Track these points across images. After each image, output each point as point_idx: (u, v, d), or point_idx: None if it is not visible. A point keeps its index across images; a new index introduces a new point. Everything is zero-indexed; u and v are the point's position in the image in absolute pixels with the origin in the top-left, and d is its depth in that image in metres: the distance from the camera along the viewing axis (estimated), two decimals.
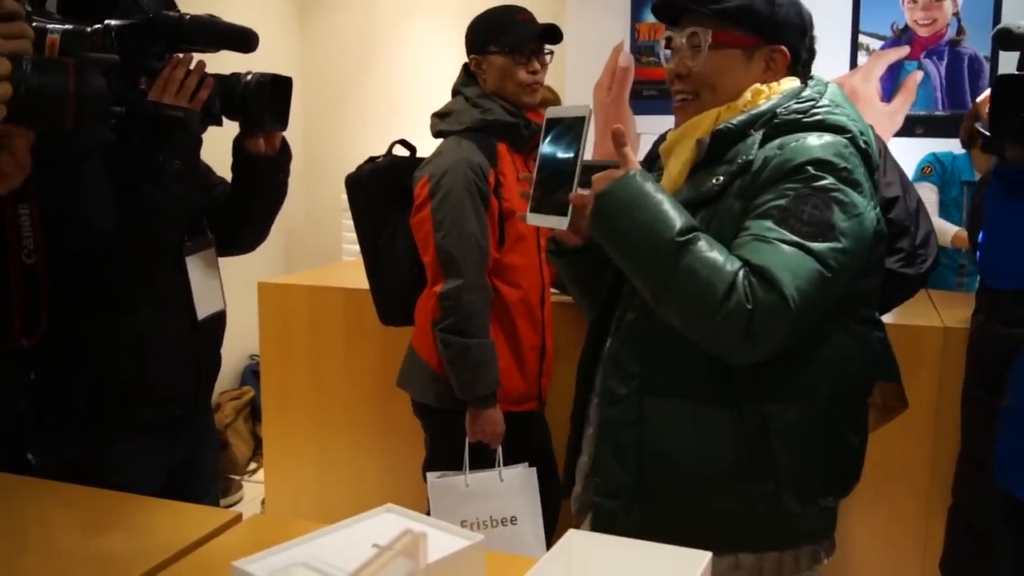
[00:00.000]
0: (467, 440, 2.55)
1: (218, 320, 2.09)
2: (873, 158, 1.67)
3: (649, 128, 4.25)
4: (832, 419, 1.62)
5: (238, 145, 2.01)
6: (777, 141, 1.59)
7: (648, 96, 4.81)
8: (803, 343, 1.56)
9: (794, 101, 1.64)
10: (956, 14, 4.45)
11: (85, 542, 1.41)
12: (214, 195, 2.10)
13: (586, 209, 1.57)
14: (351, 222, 2.77)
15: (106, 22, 1.65)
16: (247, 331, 3.60)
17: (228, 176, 2.09)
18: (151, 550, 1.37)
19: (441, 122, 2.63)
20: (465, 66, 2.65)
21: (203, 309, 2.01)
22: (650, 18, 4.86)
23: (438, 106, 2.68)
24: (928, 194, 3.87)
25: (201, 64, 1.84)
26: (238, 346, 4.87)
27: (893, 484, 2.79)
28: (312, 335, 3.38)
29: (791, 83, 1.68)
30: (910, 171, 3.75)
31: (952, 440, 2.62)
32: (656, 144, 2.38)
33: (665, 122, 1.82)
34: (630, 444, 1.66)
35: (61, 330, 1.78)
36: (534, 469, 2.62)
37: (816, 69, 1.77)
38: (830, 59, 4.36)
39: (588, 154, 1.67)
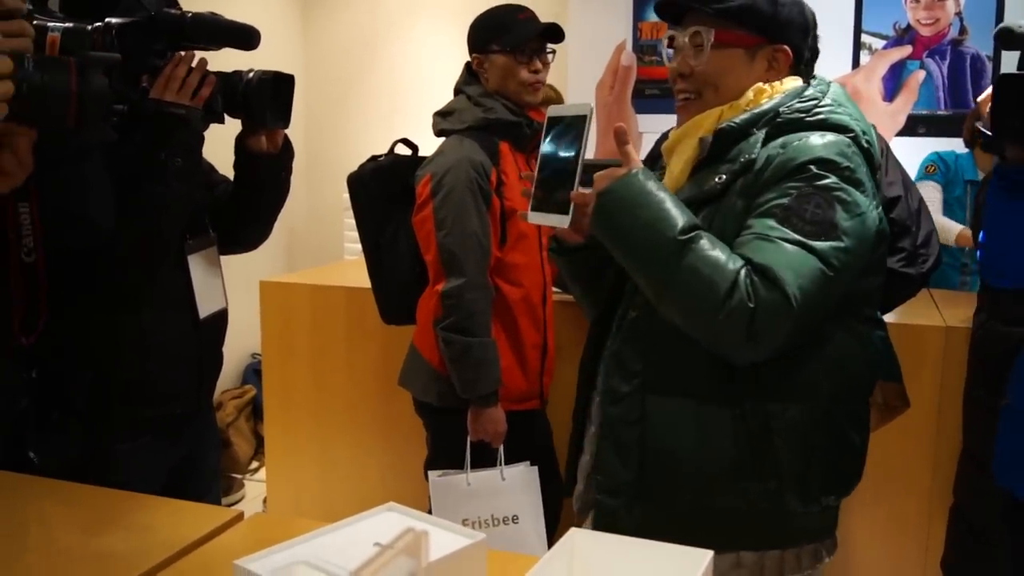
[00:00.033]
0: (469, 439, 2.55)
1: (220, 319, 2.09)
2: (875, 157, 1.67)
3: (651, 127, 4.25)
4: (834, 418, 1.62)
5: (240, 143, 2.01)
6: (780, 140, 1.59)
7: (650, 95, 4.81)
8: (805, 342, 1.56)
9: (797, 100, 1.64)
10: (958, 13, 4.45)
11: (86, 540, 1.41)
12: (216, 193, 2.10)
13: (588, 207, 1.57)
14: (353, 221, 2.77)
15: (107, 20, 1.65)
16: (249, 330, 3.60)
17: (230, 174, 2.09)
18: (152, 549, 1.37)
19: (443, 121, 2.63)
20: (467, 65, 2.65)
21: (205, 308, 2.01)
22: (652, 17, 4.86)
23: (440, 105, 2.68)
24: (933, 192, 3.87)
25: (203, 62, 1.84)
26: (240, 345, 4.87)
27: (895, 483, 2.79)
28: (314, 334, 3.38)
29: (793, 82, 1.68)
30: (912, 170, 3.75)
31: (954, 440, 2.62)
32: (658, 143, 2.38)
33: (667, 121, 1.82)
34: (632, 442, 1.66)
35: (63, 328, 1.78)
36: (536, 468, 2.62)
37: (818, 68, 1.77)
38: (833, 58, 4.35)
39: (590, 153, 1.67)
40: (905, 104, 4.48)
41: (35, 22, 1.31)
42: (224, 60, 1.90)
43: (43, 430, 1.81)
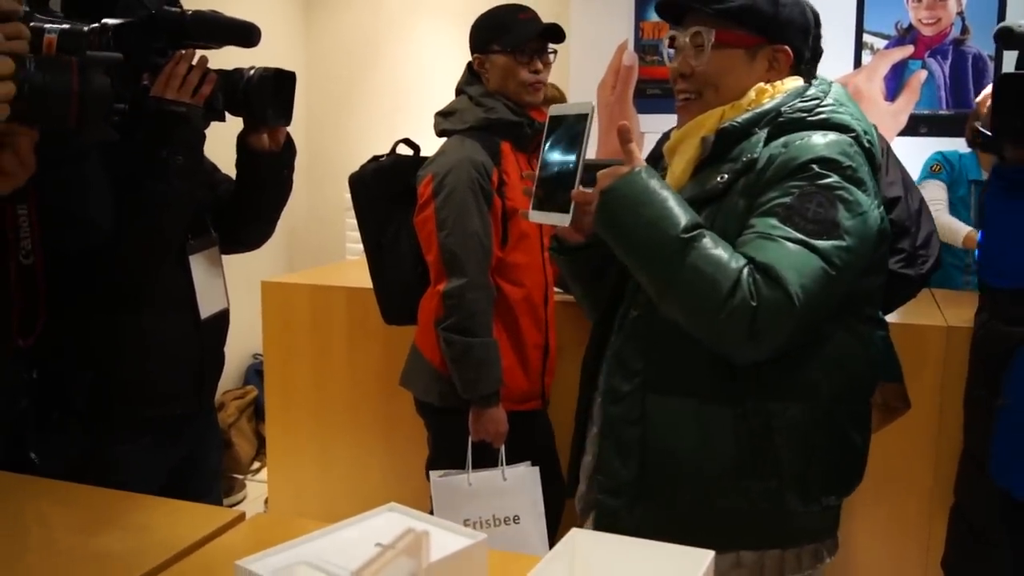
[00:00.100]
0: (470, 439, 2.55)
1: (221, 319, 2.09)
2: (876, 157, 1.68)
3: (653, 127, 4.25)
4: (835, 418, 1.62)
5: (242, 141, 2.01)
6: (782, 139, 1.59)
7: (652, 95, 4.81)
8: (806, 341, 1.56)
9: (798, 100, 1.64)
10: (960, 13, 4.45)
11: (87, 541, 1.41)
12: (218, 192, 2.10)
13: (589, 206, 1.57)
14: (355, 221, 2.77)
15: (103, 21, 1.65)
16: (250, 330, 3.61)
17: (233, 173, 2.09)
18: (153, 549, 1.37)
19: (445, 121, 2.63)
20: (469, 65, 2.65)
21: (206, 308, 2.01)
22: (654, 17, 4.83)
23: (442, 105, 2.68)
24: (938, 192, 3.85)
25: (203, 59, 1.84)
26: (241, 345, 4.87)
27: (896, 484, 2.78)
28: (315, 334, 3.38)
29: (795, 82, 1.69)
30: (915, 170, 3.74)
31: (955, 440, 2.61)
32: (660, 143, 2.38)
33: (669, 121, 1.82)
34: (633, 442, 1.66)
35: (63, 328, 1.78)
36: (537, 468, 2.62)
37: (820, 68, 1.77)
38: (834, 58, 4.35)
39: (591, 152, 1.67)
40: (907, 104, 4.48)
41: (32, 24, 1.31)
42: (225, 59, 1.90)
43: (43, 430, 1.81)
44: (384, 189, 2.68)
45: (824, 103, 1.63)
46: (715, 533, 1.56)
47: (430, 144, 2.69)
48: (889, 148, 2.23)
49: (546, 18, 2.61)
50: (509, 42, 2.54)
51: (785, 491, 1.60)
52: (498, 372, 2.50)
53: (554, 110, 1.68)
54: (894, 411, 2.44)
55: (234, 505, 4.32)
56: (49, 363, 1.82)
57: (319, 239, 5.70)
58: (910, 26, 4.53)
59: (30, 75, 1.22)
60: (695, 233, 1.50)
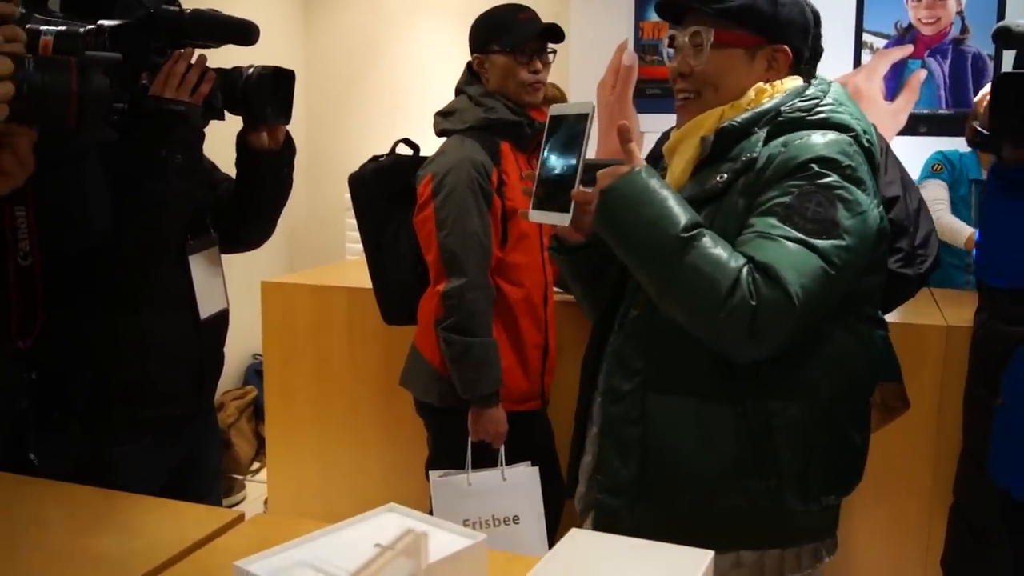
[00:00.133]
0: (470, 439, 2.55)
1: (221, 319, 2.09)
2: (876, 157, 1.68)
3: (653, 127, 4.25)
4: (835, 417, 1.62)
5: (242, 140, 2.00)
6: (781, 139, 1.60)
7: (652, 95, 4.81)
8: (806, 340, 1.56)
9: (798, 99, 1.64)
10: (960, 13, 4.45)
11: (86, 542, 1.41)
12: (218, 192, 2.10)
13: (589, 206, 1.58)
14: (354, 221, 2.77)
15: (99, 23, 1.64)
16: (250, 330, 3.61)
17: (233, 173, 2.08)
18: (153, 550, 1.37)
19: (444, 121, 2.63)
20: (468, 65, 2.65)
21: (206, 308, 2.01)
22: (654, 17, 4.84)
23: (442, 105, 2.68)
24: (940, 191, 3.84)
25: (202, 58, 1.84)
26: (241, 345, 4.87)
27: (895, 483, 2.78)
28: (315, 334, 3.38)
29: (794, 82, 1.69)
30: (914, 169, 3.74)
31: (954, 439, 2.61)
32: (659, 143, 2.38)
33: (668, 121, 1.82)
34: (633, 441, 1.66)
35: (63, 328, 1.78)
36: (536, 468, 2.62)
37: (820, 68, 1.77)
38: (834, 58, 4.35)
39: (591, 151, 1.68)
40: (906, 103, 4.48)
41: (28, 26, 1.31)
42: (225, 58, 1.90)
43: (43, 431, 1.81)
44: (384, 189, 2.68)
45: (823, 103, 1.64)
46: (715, 533, 1.56)
47: (430, 144, 2.68)
48: (888, 147, 2.23)
49: (546, 18, 2.61)
50: (509, 42, 2.54)
51: (785, 490, 1.60)
52: (498, 372, 2.50)
53: (554, 110, 1.68)
54: (893, 411, 2.44)
55: (234, 505, 4.32)
56: (49, 363, 1.82)
57: (319, 239, 5.70)
58: (909, 25, 4.53)
59: (29, 75, 1.22)
60: (695, 232, 1.50)
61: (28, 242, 1.64)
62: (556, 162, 1.63)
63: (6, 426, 1.76)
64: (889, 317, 2.30)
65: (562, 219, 1.61)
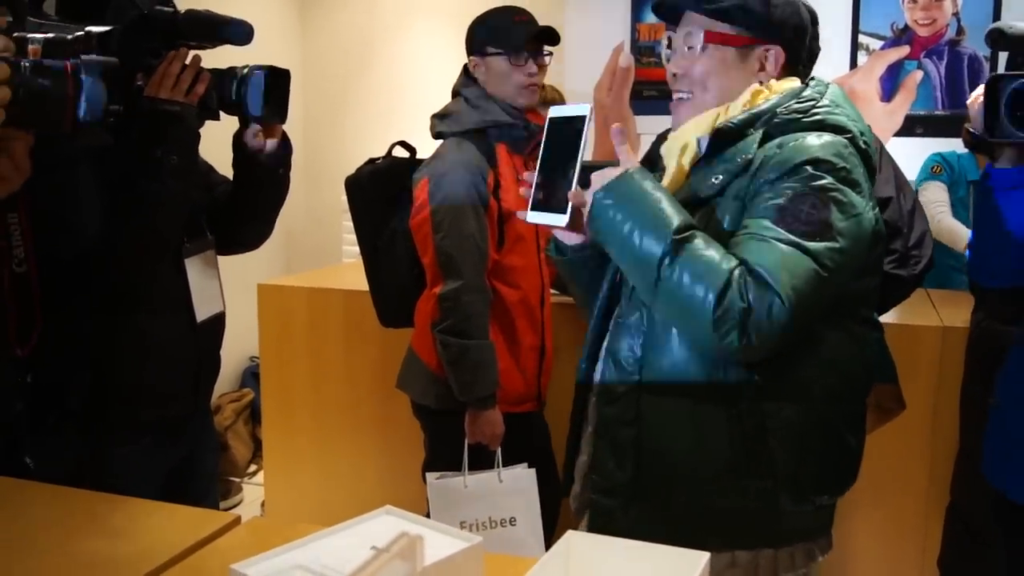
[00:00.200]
0: (466, 441, 2.55)
1: (217, 322, 2.08)
2: (873, 158, 1.67)
3: (650, 128, 4.24)
4: (829, 418, 1.62)
5: (238, 140, 2.00)
6: (776, 140, 1.59)
7: (648, 96, 4.81)
8: (800, 342, 1.56)
9: (794, 101, 1.63)
10: (956, 14, 4.45)
11: (82, 545, 1.41)
12: (215, 194, 2.10)
13: (585, 207, 1.58)
14: (351, 223, 2.77)
15: (87, 29, 1.64)
16: (247, 333, 3.60)
17: (230, 174, 2.08)
18: (149, 553, 1.37)
19: (441, 123, 2.63)
20: (465, 67, 2.65)
21: (202, 311, 2.01)
22: (650, 18, 4.86)
23: (438, 107, 2.68)
24: (940, 193, 3.83)
25: (197, 58, 1.83)
26: (238, 348, 4.87)
27: (892, 484, 2.79)
28: (312, 337, 3.38)
29: (791, 83, 1.69)
30: (911, 170, 3.74)
31: (950, 440, 2.62)
32: (655, 144, 2.38)
33: (665, 122, 1.82)
34: (628, 442, 1.66)
35: (59, 331, 1.78)
36: (533, 470, 2.62)
37: (816, 69, 1.77)
38: (830, 59, 4.34)
39: (588, 153, 1.68)
40: (903, 104, 4.45)
41: (15, 34, 1.31)
42: (220, 59, 1.90)
43: (38, 434, 1.81)
44: (380, 192, 2.68)
45: (820, 104, 1.63)
46: (710, 533, 1.57)
47: (426, 146, 2.69)
48: (882, 147, 2.23)
49: (542, 20, 2.62)
50: (505, 45, 2.55)
51: (779, 491, 1.60)
52: (494, 374, 2.50)
53: (553, 112, 1.69)
54: (888, 412, 2.43)
55: (231, 508, 4.31)
56: (45, 366, 1.82)
57: (316, 241, 5.69)
58: (906, 27, 4.53)
59: (26, 79, 1.22)
60: (687, 234, 1.50)
61: (23, 249, 1.64)
62: (554, 164, 1.63)
63: (1, 430, 1.76)
64: (885, 318, 2.29)
65: (559, 220, 1.61)
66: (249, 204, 2.08)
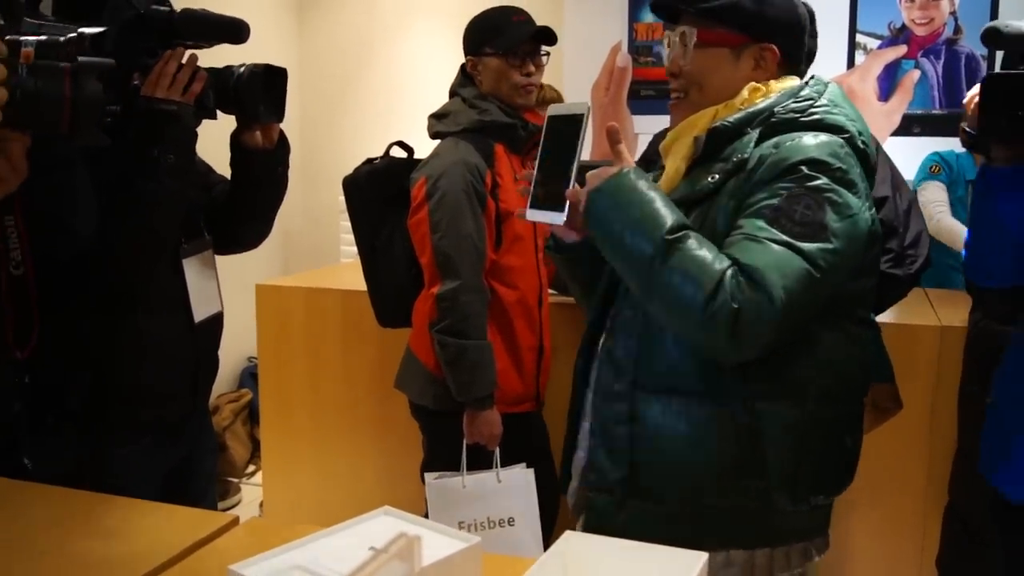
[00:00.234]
0: (465, 441, 2.55)
1: (215, 322, 2.08)
2: (871, 158, 1.67)
3: (647, 128, 4.26)
4: (825, 418, 1.62)
5: (236, 139, 2.00)
6: (773, 140, 1.59)
7: (646, 96, 4.81)
8: (796, 342, 1.57)
9: (792, 100, 1.63)
10: (953, 13, 4.46)
11: (80, 546, 1.41)
12: (214, 193, 2.10)
13: (581, 205, 1.58)
14: (349, 223, 2.77)
15: (79, 30, 1.63)
16: (245, 333, 3.60)
17: (227, 173, 2.08)
18: (147, 554, 1.37)
19: (438, 123, 2.63)
20: (462, 67, 2.65)
21: (200, 311, 2.01)
22: (648, 18, 4.87)
23: (436, 107, 2.68)
24: (939, 193, 3.83)
25: (193, 57, 1.83)
26: (236, 348, 4.87)
27: (890, 484, 2.79)
28: (310, 337, 3.38)
29: (790, 82, 1.68)
30: (908, 170, 3.74)
31: (948, 440, 2.63)
32: (652, 143, 2.38)
33: (663, 122, 1.82)
34: (623, 441, 1.67)
35: (58, 332, 1.78)
36: (532, 470, 2.62)
37: (813, 68, 1.77)
38: (828, 58, 4.35)
39: (586, 152, 1.69)
40: (900, 104, 4.48)
41: (7, 37, 1.31)
42: (218, 59, 1.90)
43: (37, 434, 1.81)
44: (378, 192, 2.68)
45: (818, 104, 1.63)
46: (705, 532, 1.57)
47: (424, 146, 2.69)
48: (879, 147, 2.24)
49: (540, 20, 2.61)
50: (502, 44, 2.55)
51: (774, 491, 1.60)
52: (492, 375, 2.50)
53: (552, 110, 1.69)
54: (885, 412, 2.44)
55: (229, 509, 4.31)
56: (43, 367, 1.82)
57: (313, 241, 5.69)
58: (903, 26, 4.54)
59: (22, 81, 1.22)
60: (680, 234, 1.50)
61: (20, 251, 1.64)
62: (552, 162, 1.64)
63: (0, 430, 1.76)
64: (883, 317, 2.30)
65: (557, 218, 1.62)
66: (247, 203, 2.08)
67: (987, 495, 1.85)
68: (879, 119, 4.42)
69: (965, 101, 1.73)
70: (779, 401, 1.59)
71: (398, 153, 2.75)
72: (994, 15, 4.37)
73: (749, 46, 1.68)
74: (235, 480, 4.58)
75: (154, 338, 1.93)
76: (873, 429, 2.33)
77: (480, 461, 2.58)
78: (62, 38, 1.42)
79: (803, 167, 1.53)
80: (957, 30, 4.46)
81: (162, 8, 1.82)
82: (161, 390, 1.96)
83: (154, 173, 1.78)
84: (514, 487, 2.59)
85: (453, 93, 2.67)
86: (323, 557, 1.14)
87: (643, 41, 4.91)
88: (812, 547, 1.70)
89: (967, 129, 1.70)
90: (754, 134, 1.61)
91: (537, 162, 1.68)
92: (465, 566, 1.16)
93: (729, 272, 1.47)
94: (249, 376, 4.99)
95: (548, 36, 2.59)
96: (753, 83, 1.67)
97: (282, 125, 2.01)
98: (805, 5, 1.73)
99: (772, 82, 1.68)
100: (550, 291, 2.77)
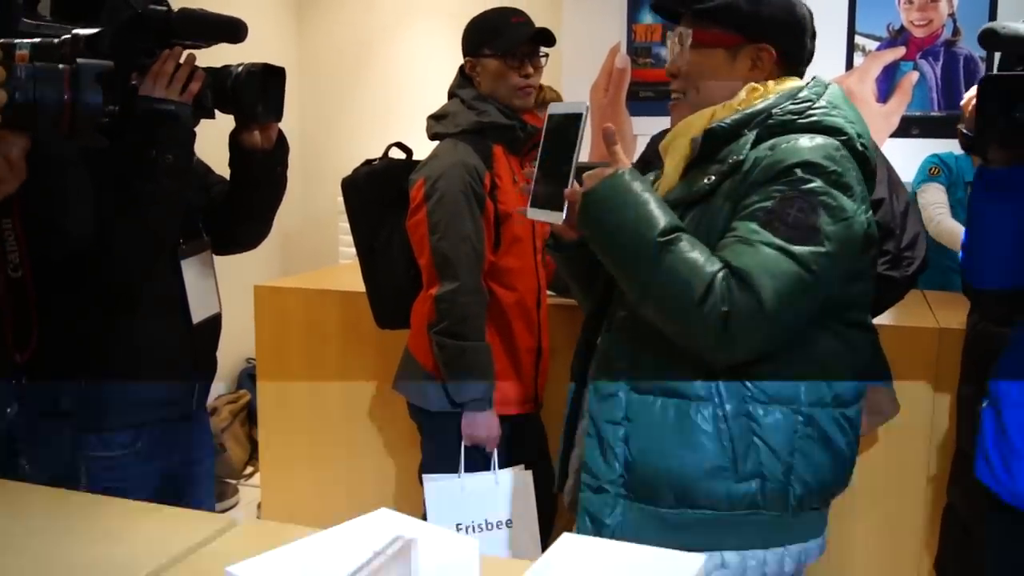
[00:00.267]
0: (463, 443, 2.55)
1: (214, 323, 2.08)
2: (871, 161, 1.67)
3: (646, 129, 4.26)
4: (818, 422, 1.62)
5: (234, 139, 1.99)
6: (769, 142, 1.59)
7: (645, 97, 4.81)
8: (790, 345, 1.56)
9: (790, 102, 1.63)
10: (951, 15, 4.46)
11: (77, 549, 1.41)
12: (212, 194, 2.09)
13: (577, 206, 1.59)
14: (347, 225, 2.77)
15: (73, 32, 1.63)
16: (243, 334, 3.60)
17: (226, 174, 2.08)
18: (145, 556, 1.37)
19: (437, 124, 2.63)
20: (461, 68, 2.65)
21: (198, 312, 2.01)
22: (647, 19, 4.87)
23: (435, 108, 2.68)
24: (939, 195, 3.82)
25: (191, 57, 1.83)
26: (234, 349, 4.87)
27: (889, 486, 2.79)
28: (308, 338, 3.38)
29: (790, 83, 1.68)
30: (906, 171, 3.73)
31: (947, 442, 2.63)
32: (650, 144, 2.38)
33: (662, 123, 1.83)
34: (616, 440, 1.67)
35: (55, 333, 1.78)
36: (529, 472, 2.62)
37: (811, 70, 1.77)
38: (826, 60, 4.35)
39: (585, 151, 1.69)
40: (899, 105, 4.45)
41: (1, 41, 1.31)
42: (216, 59, 1.90)
43: (34, 436, 1.81)
44: (376, 193, 2.68)
45: (816, 105, 1.62)
46: (697, 533, 1.58)
47: (422, 147, 2.68)
48: (876, 148, 2.23)
49: (538, 21, 2.61)
50: (500, 46, 2.55)
51: (767, 493, 1.60)
52: (490, 376, 2.50)
53: (553, 108, 1.70)
54: (882, 414, 2.44)
55: (227, 510, 4.31)
56: (40, 368, 1.81)
57: (312, 243, 5.69)
58: (901, 28, 4.54)
59: (21, 83, 1.22)
60: (672, 236, 1.50)
61: (18, 254, 1.64)
62: (552, 161, 1.65)
63: None
64: (881, 319, 2.30)
65: (556, 217, 1.63)
66: (246, 203, 2.08)
67: (985, 497, 1.85)
68: (877, 120, 4.41)
69: (963, 103, 1.72)
70: (772, 404, 1.59)
71: (397, 154, 2.75)
72: (992, 17, 4.37)
73: (745, 46, 1.68)
74: (233, 482, 4.58)
75: (152, 339, 1.93)
76: (870, 431, 2.33)
77: (478, 463, 2.58)
78: (56, 40, 1.43)
79: (797, 170, 1.52)
80: (956, 32, 4.46)
81: (159, 8, 1.81)
82: (159, 391, 1.96)
83: (152, 173, 1.77)
84: (512, 489, 2.60)
85: (452, 94, 2.66)
86: (321, 559, 1.14)
87: (642, 42, 4.91)
88: (807, 550, 1.70)
89: (965, 131, 1.70)
90: (751, 136, 1.61)
91: (538, 161, 1.69)
92: (462, 568, 1.16)
93: (720, 275, 1.47)
94: (247, 377, 4.99)
95: (547, 37, 2.59)
96: (751, 84, 1.67)
97: (281, 126, 2.01)
98: (802, 4, 1.72)
99: (771, 83, 1.67)
100: (548, 293, 2.77)
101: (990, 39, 1.67)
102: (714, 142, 1.63)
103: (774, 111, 1.62)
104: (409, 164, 2.69)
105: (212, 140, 2.03)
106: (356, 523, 1.26)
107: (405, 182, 2.60)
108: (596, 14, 4.94)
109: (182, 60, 1.81)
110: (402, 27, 5.53)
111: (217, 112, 1.92)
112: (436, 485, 2.57)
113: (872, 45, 4.57)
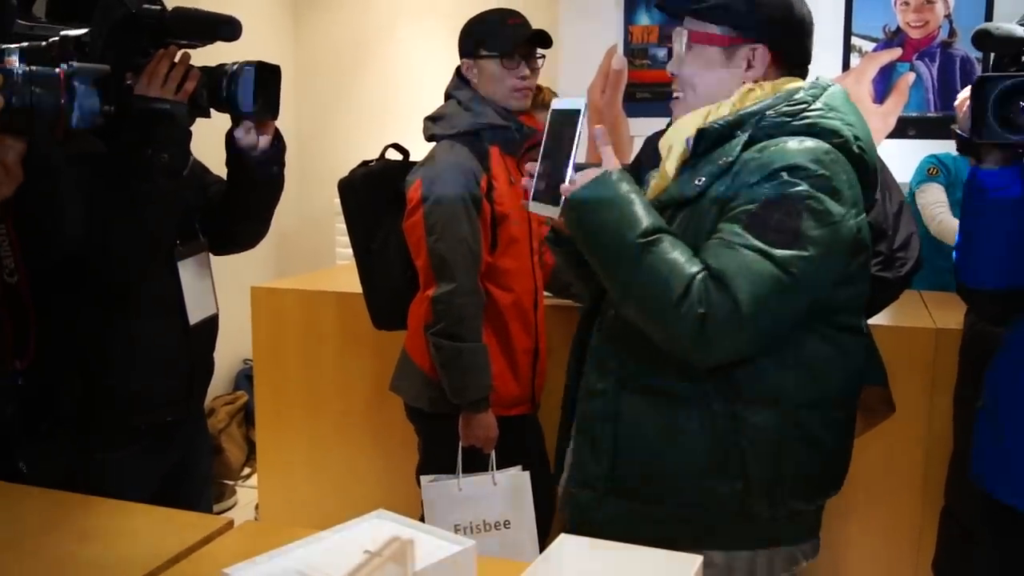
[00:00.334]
0: (460, 444, 2.55)
1: (211, 324, 2.08)
2: (869, 164, 1.66)
3: (643, 130, 4.26)
4: (805, 424, 1.61)
5: (230, 138, 1.98)
6: (760, 144, 1.58)
7: (642, 98, 4.81)
8: (777, 347, 1.56)
9: (785, 103, 1.61)
10: (948, 16, 4.46)
11: (75, 550, 1.41)
12: (210, 194, 2.09)
13: None
14: (344, 226, 2.77)
15: (62, 33, 1.62)
16: (240, 335, 3.60)
17: (224, 174, 2.07)
18: (141, 557, 1.37)
19: (434, 126, 2.63)
20: (458, 69, 2.65)
21: (195, 313, 2.00)
22: (643, 21, 4.87)
23: (431, 109, 2.68)
24: (939, 194, 3.82)
25: (186, 56, 1.82)
26: (231, 350, 4.86)
27: (886, 487, 2.79)
28: (305, 339, 3.38)
29: (789, 83, 1.67)
30: (902, 172, 3.74)
31: (944, 443, 2.63)
32: (645, 146, 2.38)
33: (659, 124, 1.82)
34: (605, 438, 1.67)
35: (52, 335, 1.78)
36: (527, 473, 2.62)
37: (809, 71, 1.76)
38: (823, 61, 4.35)
39: (583, 148, 1.69)
40: (895, 106, 4.45)
41: None
42: (213, 59, 1.89)
43: (32, 438, 1.80)
44: (373, 194, 2.68)
45: (812, 107, 1.60)
46: (683, 531, 1.58)
47: (419, 148, 2.68)
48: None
49: (535, 22, 2.61)
50: (497, 47, 2.55)
51: (752, 494, 1.60)
52: (487, 377, 2.50)
53: (555, 104, 1.70)
54: (877, 415, 2.43)
55: (224, 511, 4.31)
56: (38, 370, 1.81)
57: (309, 244, 5.69)
58: (898, 29, 4.54)
59: (17, 88, 1.22)
60: (653, 237, 1.50)
61: (13, 259, 1.63)
62: (553, 155, 1.66)
63: None
64: (877, 320, 2.29)
65: (553, 212, 1.63)
66: (243, 203, 2.07)
67: (981, 498, 1.85)
68: (874, 122, 4.41)
69: (956, 104, 1.73)
70: (759, 405, 1.58)
71: (394, 155, 2.75)
72: (989, 18, 4.38)
73: (740, 46, 1.67)
74: (230, 483, 4.58)
75: (149, 341, 1.93)
76: (865, 433, 2.33)
77: (476, 464, 2.58)
78: (44, 43, 1.42)
79: (783, 173, 1.51)
80: (952, 33, 4.46)
81: (154, 7, 1.81)
82: (156, 393, 1.96)
83: (148, 173, 1.77)
84: (510, 490, 2.60)
85: (448, 95, 2.66)
86: (318, 560, 1.14)
87: (639, 44, 4.92)
88: (799, 552, 1.69)
89: (959, 131, 1.70)
90: (743, 137, 1.59)
91: (540, 155, 1.69)
92: (459, 569, 1.16)
93: (699, 276, 1.47)
94: (245, 378, 4.99)
95: (543, 39, 2.59)
96: (749, 84, 1.66)
97: (277, 126, 2.00)
98: (802, 4, 1.71)
99: (769, 84, 1.66)
100: (545, 294, 2.77)
101: (983, 40, 1.67)
102: (707, 142, 1.63)
103: (768, 112, 1.60)
104: (406, 165, 2.69)
105: (209, 140, 2.03)
106: (353, 524, 1.26)
107: (402, 183, 2.59)
108: (593, 15, 4.94)
109: (177, 59, 1.81)
110: (399, 28, 5.53)
111: (213, 112, 1.92)
112: (433, 486, 2.57)
113: (868, 46, 4.57)
